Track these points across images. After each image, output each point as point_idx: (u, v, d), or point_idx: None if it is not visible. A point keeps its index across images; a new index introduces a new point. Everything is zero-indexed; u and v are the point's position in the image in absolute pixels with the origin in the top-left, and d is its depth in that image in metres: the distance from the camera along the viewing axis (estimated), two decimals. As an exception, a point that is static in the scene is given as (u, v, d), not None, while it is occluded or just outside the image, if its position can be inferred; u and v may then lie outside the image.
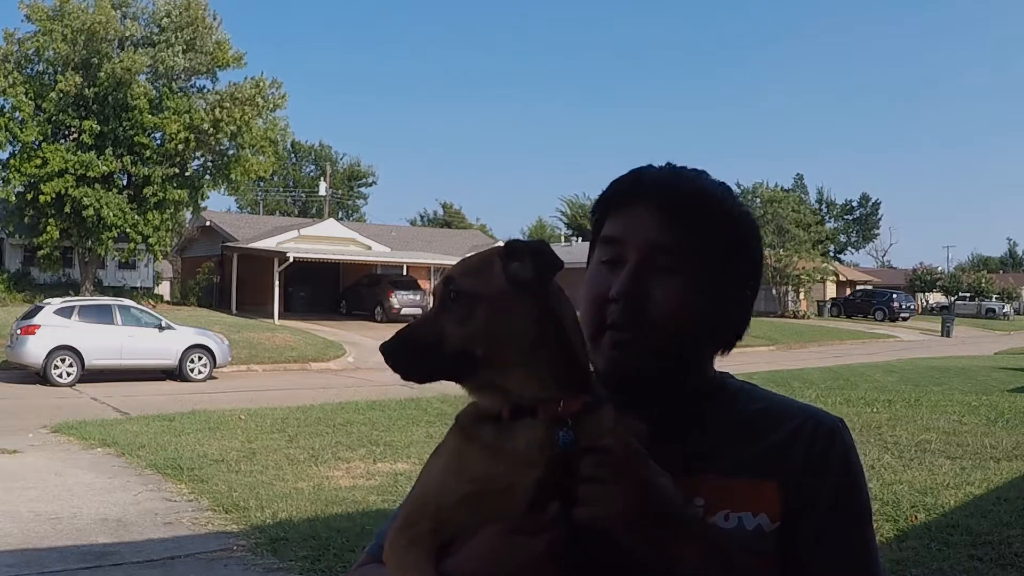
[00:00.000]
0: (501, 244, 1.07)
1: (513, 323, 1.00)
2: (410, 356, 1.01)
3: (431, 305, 1.05)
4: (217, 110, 30.53)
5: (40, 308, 19.41)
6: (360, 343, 26.77)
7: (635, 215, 1.12)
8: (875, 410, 11.56)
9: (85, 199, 29.26)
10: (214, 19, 32.24)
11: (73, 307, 19.38)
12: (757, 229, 1.19)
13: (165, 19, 31.14)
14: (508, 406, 1.00)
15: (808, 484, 1.08)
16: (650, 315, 1.08)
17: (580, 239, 56.72)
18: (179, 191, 31.38)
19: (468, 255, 1.08)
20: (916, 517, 6.18)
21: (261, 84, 31.91)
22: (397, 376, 1.02)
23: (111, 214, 29.74)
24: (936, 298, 65.49)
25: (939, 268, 67.17)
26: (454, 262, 1.14)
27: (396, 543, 1.02)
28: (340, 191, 68.55)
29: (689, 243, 1.10)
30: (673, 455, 1.06)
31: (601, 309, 1.10)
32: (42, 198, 29.06)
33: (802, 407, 1.16)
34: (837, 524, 1.08)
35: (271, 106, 32.22)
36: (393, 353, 1.01)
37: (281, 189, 71.30)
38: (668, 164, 1.18)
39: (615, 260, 1.12)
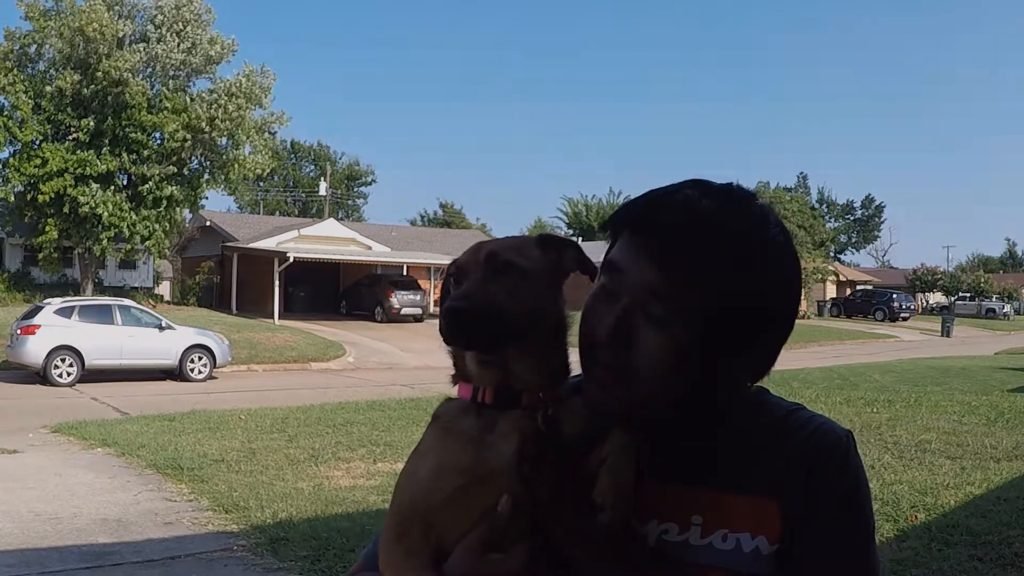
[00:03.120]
0: (529, 235, 1.09)
1: (549, 304, 1.03)
2: (477, 320, 0.97)
3: (469, 277, 1.01)
4: (214, 108, 30.48)
5: (40, 308, 19.42)
6: (360, 343, 26.77)
7: (636, 249, 1.03)
8: (875, 410, 11.54)
9: (81, 197, 29.25)
10: (209, 13, 32.21)
11: (73, 307, 19.39)
12: (794, 262, 1.08)
13: (160, 16, 31.08)
14: (492, 386, 1.01)
15: (809, 503, 1.04)
16: (632, 364, 1.01)
17: (581, 239, 56.76)
18: (177, 190, 31.37)
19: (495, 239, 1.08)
20: (916, 517, 6.17)
21: (248, 71, 31.80)
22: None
23: (107, 212, 29.71)
24: (936, 298, 65.48)
25: (939, 268, 67.13)
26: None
27: (392, 555, 1.01)
28: (340, 191, 68.54)
29: (689, 293, 0.99)
30: (676, 469, 1.06)
31: (591, 340, 1.05)
32: (41, 198, 29.06)
33: (809, 419, 1.11)
34: (837, 544, 1.04)
35: (264, 93, 32.09)
36: (463, 314, 0.96)
37: (281, 189, 71.30)
38: (691, 183, 1.07)
39: (611, 290, 1.05)
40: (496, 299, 0.98)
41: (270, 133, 33.69)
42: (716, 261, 1.00)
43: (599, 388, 1.05)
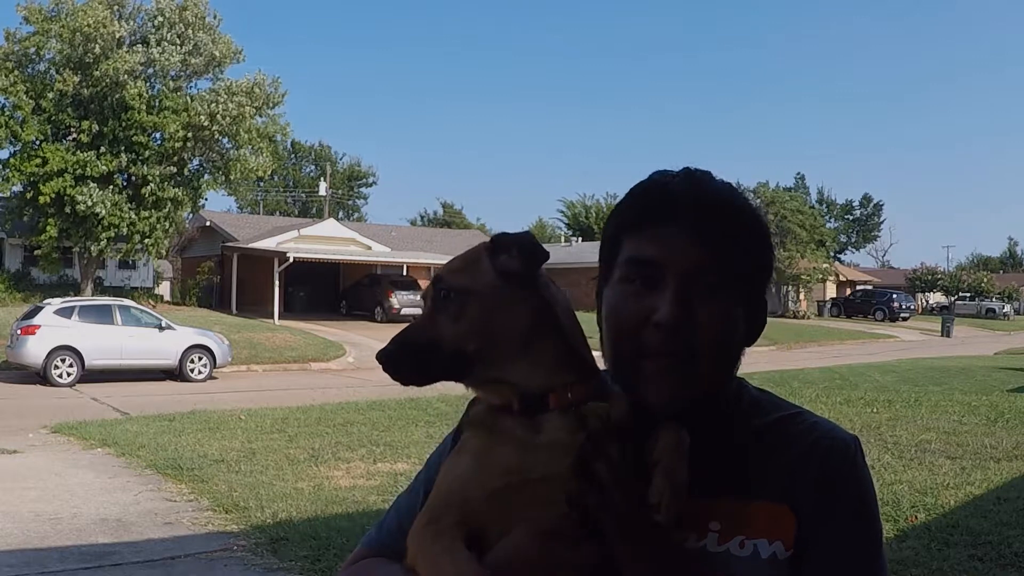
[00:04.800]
0: (487, 240, 1.06)
1: (507, 315, 0.99)
2: (409, 361, 0.99)
3: (424, 309, 1.03)
4: (214, 105, 30.54)
5: (40, 308, 19.41)
6: (360, 343, 26.77)
7: (669, 234, 1.06)
8: (875, 410, 11.54)
9: (80, 197, 29.27)
10: (215, 18, 32.26)
11: (73, 307, 19.39)
12: (768, 229, 1.16)
13: (159, 18, 31.12)
14: (516, 398, 1.00)
15: (820, 508, 1.05)
16: (698, 341, 1.04)
17: (580, 239, 56.69)
18: (177, 190, 31.41)
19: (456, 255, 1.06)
20: (916, 517, 6.18)
21: (260, 79, 31.88)
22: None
23: (107, 213, 29.72)
24: (936, 298, 65.48)
25: (939, 268, 67.11)
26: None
27: (422, 539, 1.00)
28: (340, 191, 68.53)
29: (729, 259, 1.05)
30: (692, 474, 1.04)
31: (637, 335, 1.05)
32: (41, 198, 29.08)
33: (816, 423, 1.12)
34: (848, 549, 1.05)
35: (270, 102, 32.19)
36: (391, 359, 0.99)
37: (281, 189, 71.29)
38: (686, 170, 1.12)
39: (647, 281, 1.06)
40: (433, 332, 0.99)
41: (270, 139, 33.76)
42: (741, 228, 1.09)
43: (658, 380, 1.04)
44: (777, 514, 1.05)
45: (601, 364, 1.11)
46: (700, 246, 1.04)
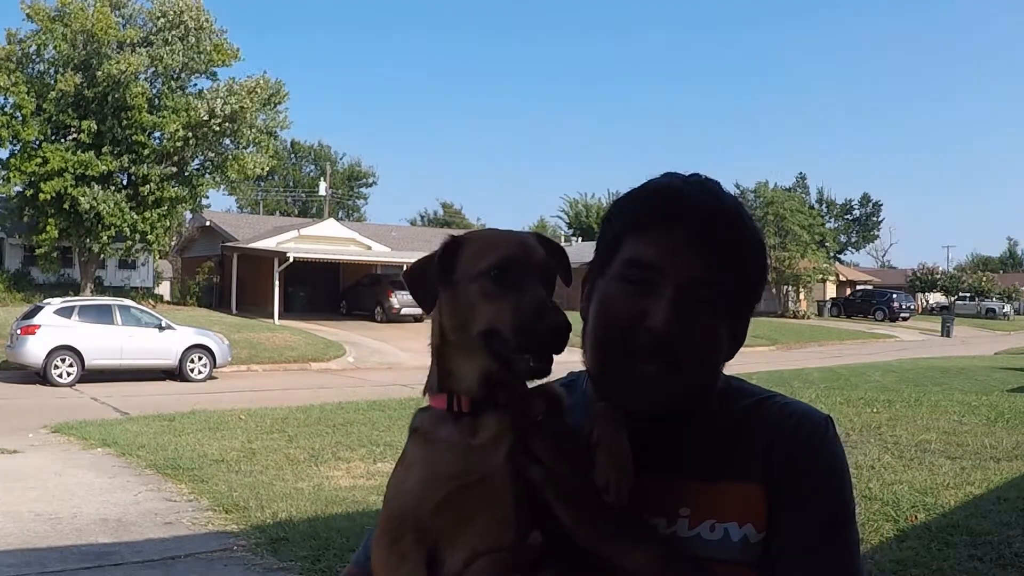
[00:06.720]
0: (517, 231, 1.07)
1: None
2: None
3: (530, 280, 0.99)
4: (215, 102, 30.53)
5: (40, 308, 19.41)
6: (360, 343, 26.77)
7: (673, 240, 1.06)
8: (875, 410, 11.54)
9: (82, 197, 29.27)
10: (208, 20, 32.22)
11: (73, 307, 19.40)
12: (767, 254, 1.17)
13: (161, 19, 31.15)
14: (469, 396, 1.01)
15: (790, 481, 1.05)
16: (686, 351, 1.04)
17: (581, 239, 56.71)
18: (177, 189, 31.38)
19: (493, 234, 1.04)
20: (916, 517, 6.18)
21: (262, 81, 31.89)
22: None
23: (107, 212, 29.72)
24: (936, 298, 65.46)
25: (939, 268, 67.05)
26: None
27: (387, 561, 1.01)
28: (340, 191, 68.52)
29: (727, 277, 1.06)
30: (661, 460, 1.06)
31: (626, 335, 1.05)
32: (41, 196, 29.08)
33: (786, 404, 1.13)
34: (817, 525, 1.04)
35: (272, 101, 32.18)
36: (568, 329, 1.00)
37: (281, 189, 71.28)
38: (697, 176, 1.12)
39: (645, 283, 1.06)
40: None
41: (271, 134, 33.79)
42: (744, 244, 1.09)
43: (641, 383, 1.05)
44: (747, 495, 1.05)
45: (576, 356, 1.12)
46: (701, 257, 1.05)
